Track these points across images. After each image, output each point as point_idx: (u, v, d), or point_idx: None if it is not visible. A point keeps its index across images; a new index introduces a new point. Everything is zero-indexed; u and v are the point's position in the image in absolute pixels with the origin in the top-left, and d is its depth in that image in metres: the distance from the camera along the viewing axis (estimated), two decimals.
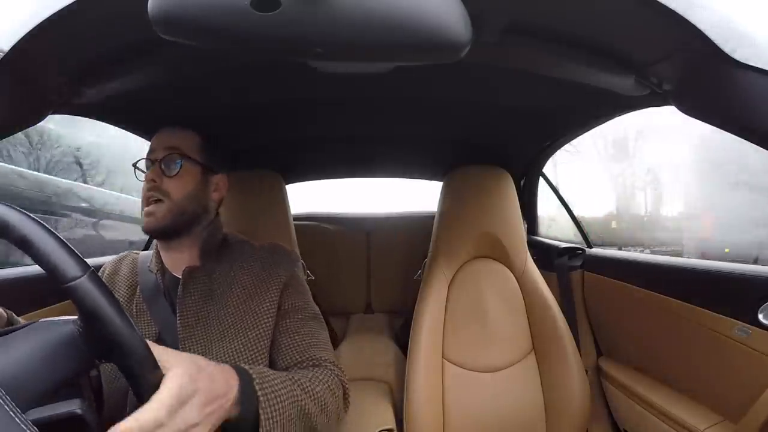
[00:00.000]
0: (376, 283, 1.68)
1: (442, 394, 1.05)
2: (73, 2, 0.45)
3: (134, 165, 0.77)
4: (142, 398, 0.40)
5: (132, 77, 0.64)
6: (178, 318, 0.69)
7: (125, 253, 0.85)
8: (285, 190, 1.25)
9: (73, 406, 0.37)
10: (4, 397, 0.28)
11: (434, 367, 1.06)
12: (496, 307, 1.13)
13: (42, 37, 0.47)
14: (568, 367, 1.02)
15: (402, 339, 1.35)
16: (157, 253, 0.78)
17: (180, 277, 0.73)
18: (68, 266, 0.36)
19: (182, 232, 0.75)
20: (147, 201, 0.72)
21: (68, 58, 0.56)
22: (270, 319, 0.73)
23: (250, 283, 0.75)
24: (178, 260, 0.76)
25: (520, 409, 1.04)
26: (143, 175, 0.75)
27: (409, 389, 1.02)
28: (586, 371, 1.08)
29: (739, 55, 0.46)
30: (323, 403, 0.64)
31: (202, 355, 0.62)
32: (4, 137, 0.55)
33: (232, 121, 1.09)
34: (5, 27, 0.47)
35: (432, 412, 1.01)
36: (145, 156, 0.76)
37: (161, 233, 0.74)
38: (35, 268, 0.85)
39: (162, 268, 0.76)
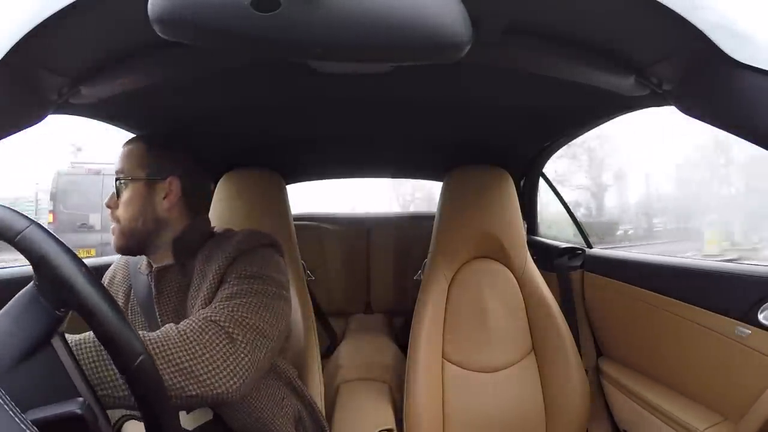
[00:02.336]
0: (376, 283, 1.68)
1: (442, 394, 1.05)
2: (73, 2, 0.45)
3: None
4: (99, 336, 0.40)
5: (132, 77, 0.64)
6: (157, 314, 0.71)
7: (117, 258, 0.85)
8: (285, 190, 1.25)
9: (73, 406, 0.37)
10: (4, 397, 0.28)
11: (434, 367, 1.06)
12: (496, 307, 1.12)
13: (42, 37, 0.47)
14: (568, 367, 1.02)
15: (402, 339, 1.35)
16: None
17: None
18: (13, 221, 0.39)
19: (144, 247, 0.75)
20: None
21: (68, 58, 0.56)
22: (212, 291, 0.68)
23: (207, 267, 0.72)
24: (159, 263, 0.77)
25: (520, 409, 1.04)
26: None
27: (409, 389, 1.02)
28: (586, 371, 1.08)
29: (739, 55, 0.46)
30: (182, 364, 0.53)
31: None
32: (4, 137, 0.55)
33: (232, 121, 1.08)
34: (5, 27, 0.47)
35: (432, 412, 1.01)
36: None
37: (125, 252, 0.75)
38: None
39: (152, 269, 0.77)
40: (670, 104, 0.62)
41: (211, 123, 1.05)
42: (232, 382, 0.56)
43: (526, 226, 1.27)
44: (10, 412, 0.28)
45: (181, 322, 0.59)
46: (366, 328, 1.58)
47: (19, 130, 0.58)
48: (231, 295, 0.64)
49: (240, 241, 0.73)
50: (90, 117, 0.83)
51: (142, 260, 0.80)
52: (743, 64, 0.46)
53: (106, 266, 0.88)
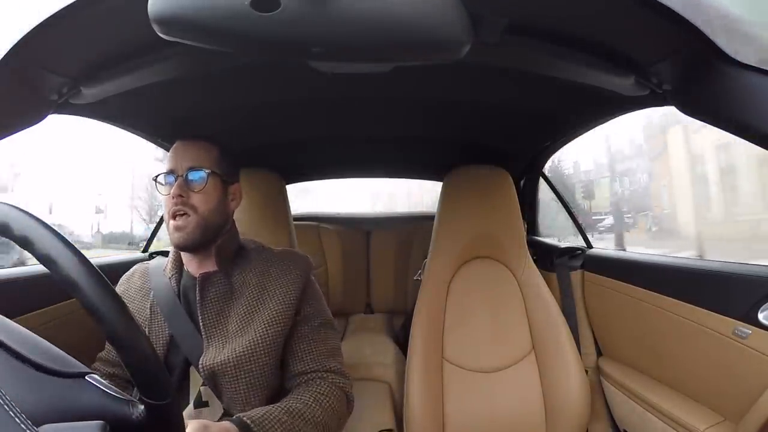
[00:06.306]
0: (376, 283, 1.68)
1: (442, 395, 1.05)
2: (73, 2, 0.45)
3: (155, 179, 0.77)
4: None
5: (132, 77, 0.64)
6: (200, 319, 0.72)
7: (136, 266, 0.86)
8: (285, 190, 1.25)
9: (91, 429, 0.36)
10: (3, 397, 0.28)
11: (434, 367, 1.06)
12: (495, 308, 1.12)
13: (42, 37, 0.47)
14: (568, 367, 1.02)
15: (402, 339, 1.35)
16: (177, 257, 0.80)
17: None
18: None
19: (207, 243, 0.76)
20: (173, 215, 0.73)
21: (68, 58, 0.56)
22: (288, 319, 0.75)
23: (268, 284, 0.77)
24: (198, 265, 0.78)
25: (520, 409, 1.04)
26: (163, 188, 0.75)
27: (408, 389, 1.02)
28: (586, 371, 1.07)
29: (739, 55, 0.46)
30: (325, 425, 0.68)
31: (220, 349, 0.71)
32: (4, 137, 0.55)
33: (232, 121, 1.08)
34: (5, 27, 0.47)
35: (432, 412, 1.01)
36: (165, 169, 0.76)
37: (190, 247, 0.75)
38: (36, 268, 0.85)
39: (179, 271, 0.78)
40: (670, 104, 0.62)
41: (210, 122, 1.05)
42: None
43: (526, 226, 1.27)
44: (10, 413, 0.28)
45: (313, 390, 0.71)
46: (366, 328, 1.58)
47: (19, 130, 0.58)
48: (332, 348, 0.79)
49: (297, 265, 0.81)
50: (90, 117, 0.83)
51: (164, 264, 0.81)
52: (743, 64, 0.46)
53: (120, 264, 0.87)
